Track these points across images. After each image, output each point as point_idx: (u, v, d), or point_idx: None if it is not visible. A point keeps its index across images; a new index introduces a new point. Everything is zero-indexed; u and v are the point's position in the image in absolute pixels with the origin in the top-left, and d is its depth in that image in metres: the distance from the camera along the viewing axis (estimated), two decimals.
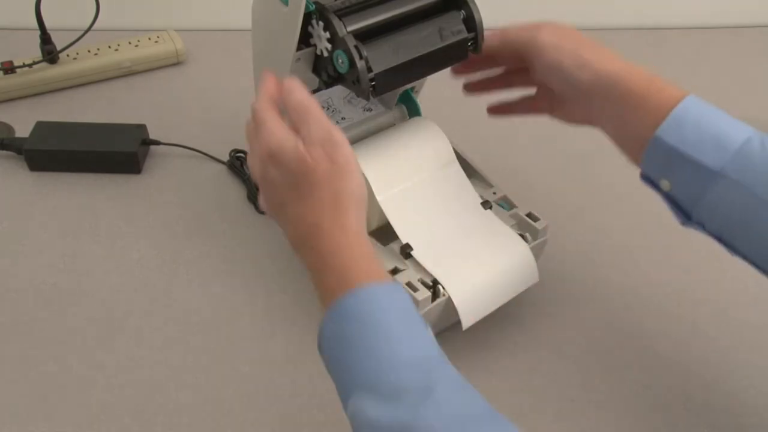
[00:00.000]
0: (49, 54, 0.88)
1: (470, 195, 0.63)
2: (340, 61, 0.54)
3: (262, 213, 0.74)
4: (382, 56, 0.54)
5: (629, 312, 0.66)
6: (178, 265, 0.69)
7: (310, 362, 0.61)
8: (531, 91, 0.63)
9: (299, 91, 0.50)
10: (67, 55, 0.90)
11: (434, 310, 0.57)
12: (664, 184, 0.53)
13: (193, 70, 0.96)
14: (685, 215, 0.53)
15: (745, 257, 0.51)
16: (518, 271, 0.60)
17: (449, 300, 0.57)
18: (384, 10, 0.56)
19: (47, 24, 0.85)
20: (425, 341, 0.44)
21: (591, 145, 0.85)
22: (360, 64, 0.53)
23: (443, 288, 0.57)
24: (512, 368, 0.61)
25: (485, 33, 0.60)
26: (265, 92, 0.51)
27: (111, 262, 0.69)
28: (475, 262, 0.59)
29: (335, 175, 0.47)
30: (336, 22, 0.53)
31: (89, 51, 0.92)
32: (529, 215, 0.63)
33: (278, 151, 0.48)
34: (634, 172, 0.82)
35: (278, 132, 0.49)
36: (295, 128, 0.49)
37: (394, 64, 0.55)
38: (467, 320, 0.57)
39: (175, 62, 0.96)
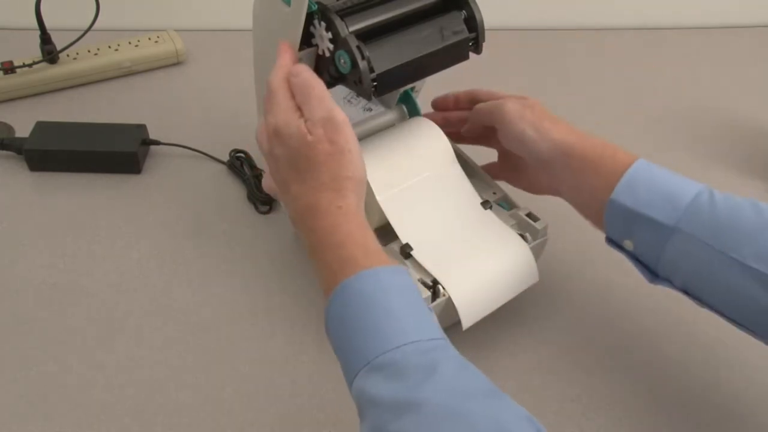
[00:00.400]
0: (49, 54, 0.88)
1: (470, 195, 0.63)
2: (342, 61, 0.54)
3: (262, 213, 0.74)
4: (384, 56, 0.54)
5: (629, 312, 0.65)
6: (178, 265, 0.69)
7: (310, 362, 0.61)
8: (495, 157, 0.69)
9: (305, 72, 0.51)
10: (67, 55, 0.90)
11: (434, 310, 0.57)
12: (627, 244, 0.55)
13: (193, 70, 0.96)
14: (652, 273, 0.55)
15: (712, 308, 0.53)
16: (518, 271, 0.60)
17: (449, 300, 0.57)
18: (386, 10, 0.56)
19: (47, 24, 0.85)
20: (428, 322, 0.45)
21: None
22: (362, 64, 0.53)
23: (443, 288, 0.57)
24: (512, 368, 0.61)
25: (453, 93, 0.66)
26: (281, 66, 0.53)
27: (111, 262, 0.69)
28: (475, 262, 0.59)
29: (334, 157, 0.48)
30: (338, 22, 0.52)
31: (89, 51, 0.92)
32: (529, 215, 0.63)
33: (283, 128, 0.50)
34: None
35: (285, 110, 0.50)
36: (300, 108, 0.50)
37: (396, 64, 0.55)
38: (467, 320, 0.57)
39: (175, 62, 0.96)
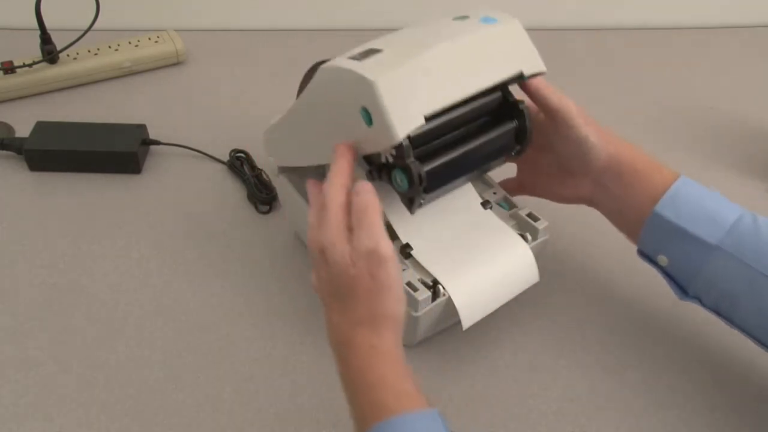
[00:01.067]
0: (49, 54, 0.88)
1: (470, 195, 0.63)
2: (398, 179, 0.53)
3: (262, 213, 0.74)
4: (437, 178, 0.54)
5: (629, 312, 0.65)
6: (178, 265, 0.69)
7: (310, 362, 0.61)
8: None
9: (366, 194, 0.49)
10: (67, 55, 0.90)
11: (434, 310, 0.57)
12: (662, 260, 0.56)
13: (193, 70, 0.96)
14: (682, 290, 0.56)
15: (742, 329, 0.54)
16: (518, 271, 0.60)
17: (449, 300, 0.57)
18: (446, 118, 0.54)
19: (47, 24, 0.85)
20: None
21: None
22: (418, 189, 0.52)
23: (443, 288, 0.57)
24: (512, 368, 0.61)
25: None
26: (338, 173, 0.51)
27: (111, 262, 0.69)
28: (475, 262, 0.59)
29: (373, 293, 0.47)
30: (406, 145, 0.51)
31: (89, 51, 0.92)
32: (529, 215, 0.63)
33: (329, 250, 0.48)
34: None
35: (334, 229, 0.49)
36: (351, 228, 0.49)
37: (446, 183, 0.56)
38: (467, 320, 0.57)
39: (175, 62, 0.96)
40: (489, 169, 0.61)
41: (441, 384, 0.59)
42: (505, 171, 0.65)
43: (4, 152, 0.79)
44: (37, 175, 0.78)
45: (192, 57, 0.97)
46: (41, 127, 0.80)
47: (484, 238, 0.61)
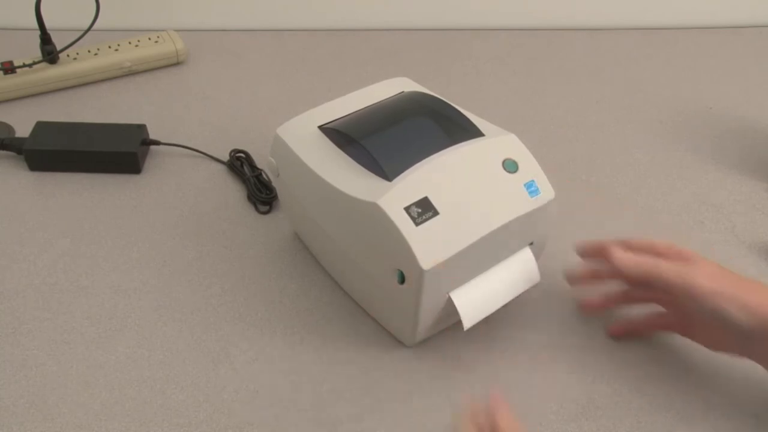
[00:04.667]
0: (49, 54, 0.88)
1: None
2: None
3: (262, 213, 0.74)
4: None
5: (629, 312, 0.65)
6: (178, 265, 0.69)
7: (310, 362, 0.61)
8: (657, 307, 0.63)
9: (507, 417, 0.51)
10: (67, 55, 0.90)
11: (434, 311, 0.57)
12: None
13: (193, 70, 0.96)
14: None
15: None
16: (519, 271, 0.60)
17: (450, 300, 0.57)
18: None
19: (47, 24, 0.85)
20: None
21: (592, 146, 0.85)
22: None
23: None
24: (513, 368, 0.61)
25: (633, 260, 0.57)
26: (472, 412, 0.53)
27: (111, 262, 0.69)
28: None
29: None
30: None
31: (89, 51, 0.92)
32: None
33: None
34: (634, 172, 0.82)
35: None
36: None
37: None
38: (468, 320, 0.57)
39: (175, 62, 0.96)
40: None
41: (441, 384, 0.59)
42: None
43: (4, 152, 0.80)
44: (37, 175, 0.78)
45: (192, 57, 0.97)
46: (41, 127, 0.80)
47: None
